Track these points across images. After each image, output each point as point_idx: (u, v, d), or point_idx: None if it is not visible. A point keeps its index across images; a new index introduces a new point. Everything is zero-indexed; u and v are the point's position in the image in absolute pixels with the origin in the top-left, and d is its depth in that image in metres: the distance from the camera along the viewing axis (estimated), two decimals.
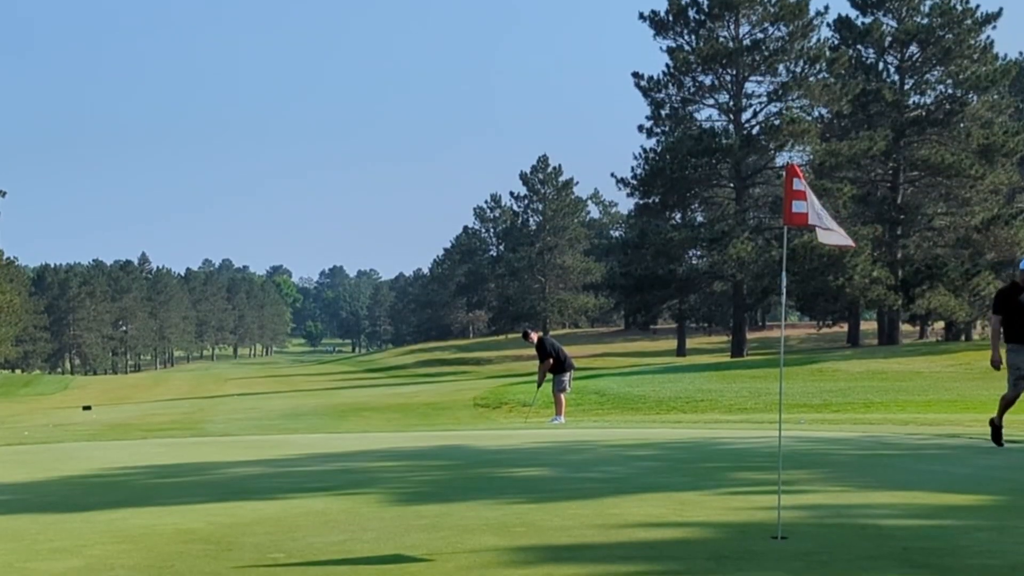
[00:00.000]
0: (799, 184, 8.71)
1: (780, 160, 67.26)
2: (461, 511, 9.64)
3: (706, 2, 65.96)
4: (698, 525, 8.83)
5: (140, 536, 8.67)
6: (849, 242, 9.31)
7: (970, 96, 64.39)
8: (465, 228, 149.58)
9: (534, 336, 24.40)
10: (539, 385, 24.99)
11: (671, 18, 67.18)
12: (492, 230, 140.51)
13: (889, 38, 65.43)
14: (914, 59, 65.78)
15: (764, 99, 67.39)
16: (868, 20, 65.61)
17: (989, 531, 8.32)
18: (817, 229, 8.85)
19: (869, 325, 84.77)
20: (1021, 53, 73.92)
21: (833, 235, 8.96)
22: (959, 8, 64.35)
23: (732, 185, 69.45)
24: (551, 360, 23.70)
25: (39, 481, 13.13)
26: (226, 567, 7.39)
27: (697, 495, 10.48)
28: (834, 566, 7.13)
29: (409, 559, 7.56)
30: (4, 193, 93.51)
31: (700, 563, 7.27)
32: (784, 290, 9.80)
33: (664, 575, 6.92)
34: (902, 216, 65.15)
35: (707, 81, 68.22)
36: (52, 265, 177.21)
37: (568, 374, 24.33)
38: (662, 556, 7.60)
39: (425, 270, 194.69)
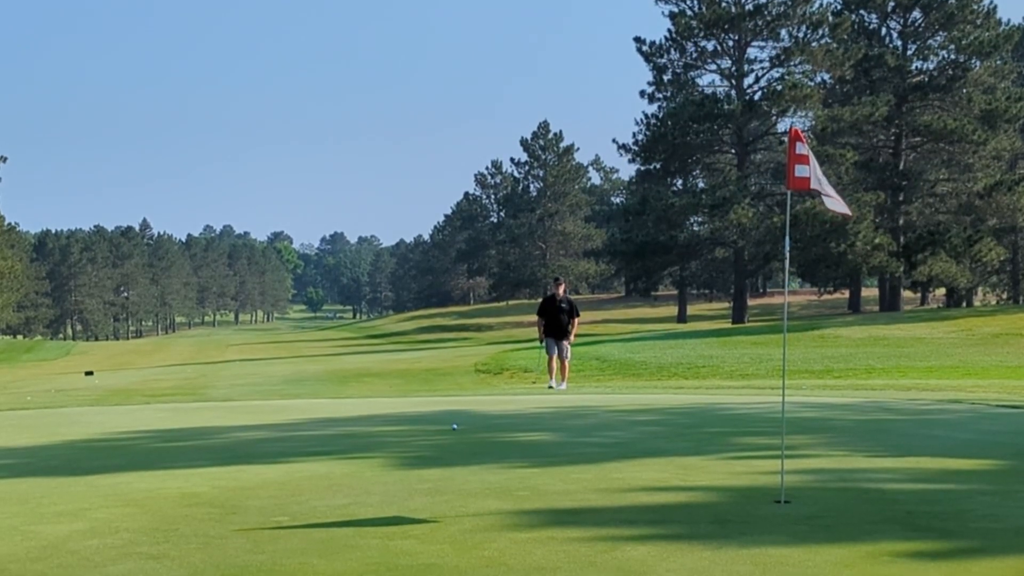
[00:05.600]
0: (802, 148, 8.69)
1: (782, 126, 67.00)
2: (464, 475, 9.66)
3: None
4: (701, 489, 8.86)
5: (144, 500, 8.69)
6: (847, 210, 9.30)
7: (973, 61, 64.02)
8: (466, 194, 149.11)
9: (562, 288, 22.67)
10: (570, 336, 22.43)
11: None
12: (493, 196, 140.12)
13: (892, 3, 64.96)
14: (917, 24, 65.35)
15: (766, 64, 67.13)
16: None
17: (992, 495, 8.34)
18: (822, 196, 8.85)
19: (870, 292, 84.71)
20: None
21: (834, 202, 8.95)
22: None
23: (734, 151, 69.20)
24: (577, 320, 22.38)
25: (43, 445, 13.17)
26: (230, 530, 7.41)
27: (700, 460, 10.50)
28: (837, 530, 7.14)
29: (412, 522, 7.58)
30: (5, 159, 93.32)
31: (703, 527, 7.29)
32: (788, 255, 9.78)
33: (667, 539, 6.94)
34: (904, 182, 64.91)
35: (709, 46, 67.88)
36: (53, 231, 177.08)
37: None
38: (665, 520, 7.62)
39: (426, 236, 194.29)
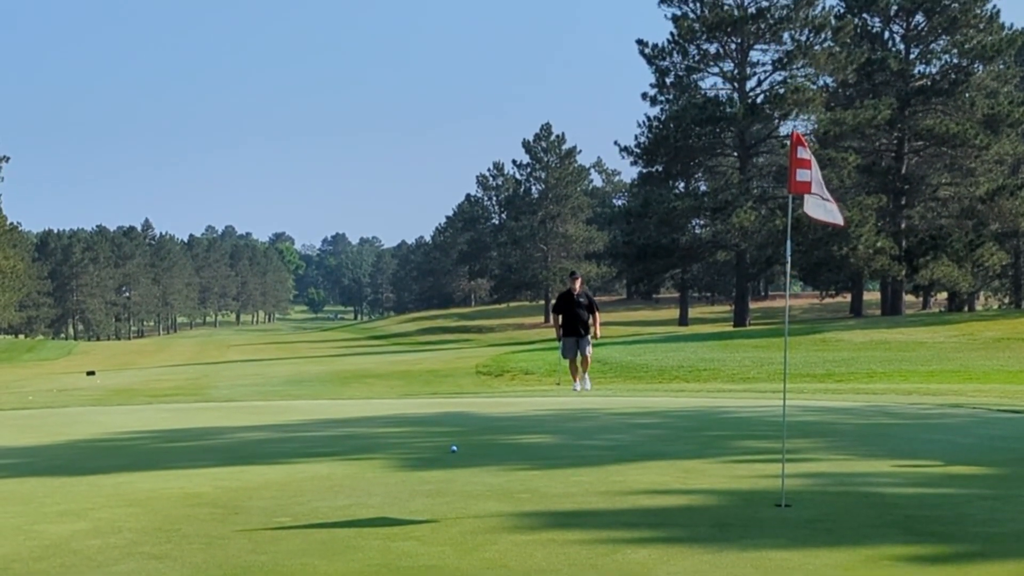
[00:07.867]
0: (803, 152, 8.71)
1: (784, 129, 67.08)
2: (465, 477, 9.68)
3: None
4: (702, 492, 8.87)
5: (147, 500, 8.71)
6: (839, 220, 9.26)
7: (975, 66, 64.09)
8: (467, 196, 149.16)
9: (579, 283, 20.98)
10: (595, 335, 20.93)
11: None
12: (494, 198, 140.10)
13: (895, 7, 65.02)
14: (920, 28, 65.38)
15: (769, 67, 67.17)
16: None
17: (992, 500, 8.34)
18: (806, 200, 8.85)
19: (872, 295, 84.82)
20: None
21: (822, 210, 8.94)
22: None
23: (736, 154, 69.24)
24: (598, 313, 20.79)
25: (46, 445, 13.18)
26: (233, 530, 7.43)
27: (701, 463, 10.50)
28: (838, 534, 7.16)
29: (414, 523, 7.60)
30: (7, 158, 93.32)
31: (704, 530, 7.30)
32: (789, 259, 9.78)
33: (668, 542, 6.95)
34: (906, 186, 64.93)
35: (712, 49, 67.94)
36: (55, 231, 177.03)
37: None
38: (666, 523, 7.63)
39: (427, 238, 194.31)
